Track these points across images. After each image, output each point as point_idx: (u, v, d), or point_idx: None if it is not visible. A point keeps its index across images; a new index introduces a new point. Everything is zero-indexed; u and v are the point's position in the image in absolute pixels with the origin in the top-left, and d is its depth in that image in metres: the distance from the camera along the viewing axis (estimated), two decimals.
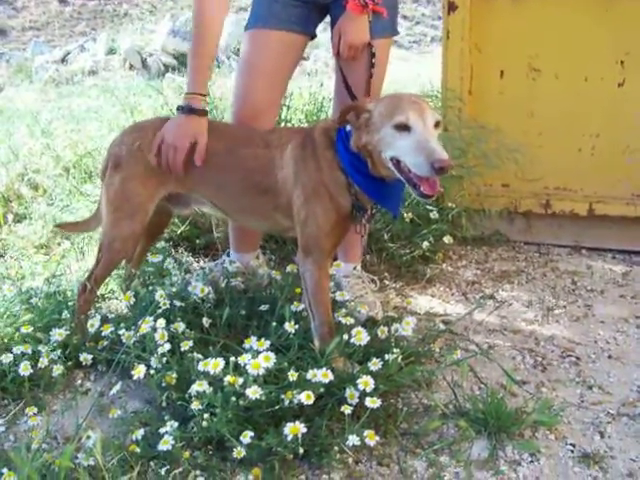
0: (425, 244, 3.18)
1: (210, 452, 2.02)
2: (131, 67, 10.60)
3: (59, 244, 3.57)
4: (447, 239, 3.23)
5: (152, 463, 1.98)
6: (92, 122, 5.95)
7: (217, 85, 5.19)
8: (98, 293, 2.87)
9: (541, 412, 2.13)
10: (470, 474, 1.97)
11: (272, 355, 2.02)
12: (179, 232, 3.31)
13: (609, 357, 2.60)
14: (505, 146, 3.21)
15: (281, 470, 1.94)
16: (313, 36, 2.72)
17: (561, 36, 3.42)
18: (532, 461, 2.03)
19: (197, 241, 3.30)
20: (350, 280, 2.83)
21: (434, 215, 3.26)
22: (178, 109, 2.43)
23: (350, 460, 2.02)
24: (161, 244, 3.16)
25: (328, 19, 2.70)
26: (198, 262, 3.22)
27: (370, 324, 2.58)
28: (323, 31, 2.92)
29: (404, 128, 2.01)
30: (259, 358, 2.00)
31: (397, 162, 2.05)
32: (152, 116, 5.18)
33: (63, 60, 11.02)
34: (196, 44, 2.45)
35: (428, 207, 3.25)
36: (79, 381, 2.42)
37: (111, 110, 6.33)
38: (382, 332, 2.38)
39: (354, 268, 2.86)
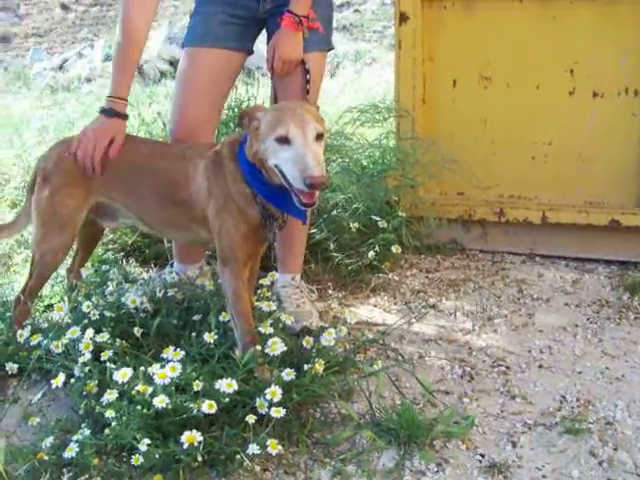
0: (371, 254, 3.20)
1: (123, 459, 2.06)
2: None
3: (20, 253, 3.63)
4: (395, 248, 3.25)
5: (65, 470, 2.03)
6: (77, 131, 6.01)
7: None
8: (45, 303, 2.96)
9: (448, 422, 2.15)
10: None
11: (178, 366, 2.06)
12: (130, 242, 3.36)
13: (540, 367, 2.62)
14: (443, 157, 3.23)
15: (185, 478, 1.97)
16: (250, 52, 2.77)
17: (511, 45, 3.45)
18: (438, 471, 2.05)
19: (147, 251, 3.35)
20: (288, 290, 2.87)
21: (382, 224, 3.29)
22: (100, 112, 2.52)
23: (258, 468, 2.05)
24: (111, 254, 3.23)
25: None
26: (148, 272, 3.26)
27: (304, 334, 2.62)
28: None
29: (285, 141, 2.06)
30: (166, 368, 2.05)
31: (281, 170, 2.10)
32: None
33: (61, 67, 11.15)
34: (120, 52, 2.53)
35: (374, 217, 3.28)
36: (11, 390, 2.47)
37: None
38: (307, 342, 2.42)
39: (292, 278, 2.89)
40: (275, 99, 2.71)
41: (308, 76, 2.63)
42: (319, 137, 2.09)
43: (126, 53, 2.53)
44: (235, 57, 2.72)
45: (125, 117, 2.54)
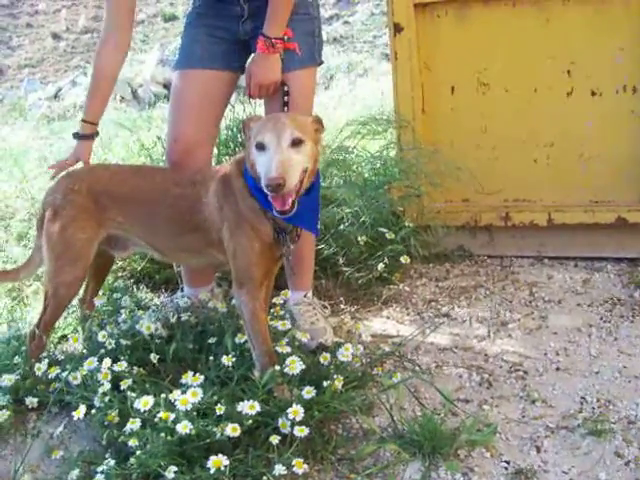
0: (380, 266, 3.20)
1: None
2: (122, 99, 10.75)
3: (29, 285, 3.63)
4: (404, 259, 3.26)
5: None
6: None
7: None
8: (58, 335, 2.96)
9: (471, 431, 2.15)
10: None
11: (199, 391, 2.06)
12: (139, 269, 3.36)
13: (557, 369, 2.62)
14: (445, 165, 3.25)
15: None
16: (242, 71, 2.77)
17: (507, 49, 3.46)
18: None
19: (157, 277, 3.35)
20: (301, 308, 2.86)
21: (390, 236, 3.29)
22: (73, 136, 2.72)
23: None
24: (121, 282, 3.23)
25: None
26: (159, 297, 3.27)
27: (320, 351, 2.62)
28: None
29: (262, 147, 2.09)
30: (187, 394, 2.05)
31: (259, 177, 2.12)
32: (123, 151, 5.32)
33: (56, 96, 11.19)
34: (93, 86, 2.70)
35: (381, 229, 3.28)
36: (31, 424, 2.47)
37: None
38: (325, 359, 2.42)
39: (304, 295, 2.90)
40: None
41: (286, 98, 2.62)
42: (297, 143, 2.09)
43: (99, 85, 2.70)
44: (223, 77, 2.74)
45: (92, 137, 2.72)
